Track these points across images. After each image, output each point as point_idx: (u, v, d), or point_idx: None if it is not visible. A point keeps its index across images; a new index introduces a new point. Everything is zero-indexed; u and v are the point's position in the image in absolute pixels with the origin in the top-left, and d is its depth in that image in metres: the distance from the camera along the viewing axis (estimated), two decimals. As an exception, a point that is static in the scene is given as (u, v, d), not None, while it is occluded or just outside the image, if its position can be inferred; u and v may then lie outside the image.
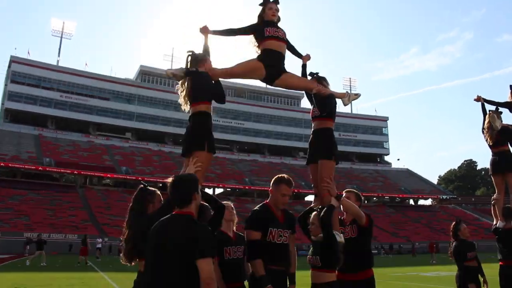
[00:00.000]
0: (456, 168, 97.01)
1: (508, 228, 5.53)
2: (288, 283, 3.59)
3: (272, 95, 71.54)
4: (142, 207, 3.04)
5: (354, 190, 4.20)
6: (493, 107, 6.17)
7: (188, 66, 3.63)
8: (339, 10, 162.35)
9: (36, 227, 34.35)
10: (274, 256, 3.47)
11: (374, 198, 63.20)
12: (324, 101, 4.05)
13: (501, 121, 5.93)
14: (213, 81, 3.65)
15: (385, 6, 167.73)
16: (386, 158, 75.95)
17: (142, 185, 3.17)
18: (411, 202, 66.20)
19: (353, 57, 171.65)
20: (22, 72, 54.93)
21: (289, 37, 4.07)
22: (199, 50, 3.82)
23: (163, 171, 50.92)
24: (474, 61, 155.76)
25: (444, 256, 26.06)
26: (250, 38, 4.03)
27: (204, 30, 3.87)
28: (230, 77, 4.05)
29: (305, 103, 75.42)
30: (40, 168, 46.17)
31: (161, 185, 52.34)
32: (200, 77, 3.53)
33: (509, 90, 6.42)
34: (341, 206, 3.81)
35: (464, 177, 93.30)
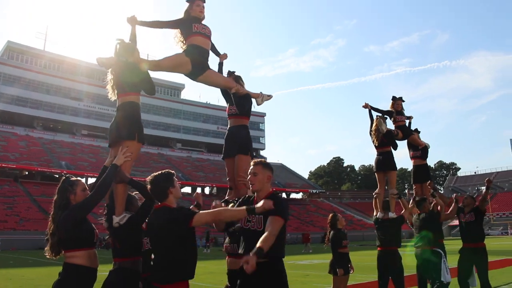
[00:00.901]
0: (325, 164, 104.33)
1: (386, 218, 6.15)
2: None
3: (152, 84, 70.62)
4: (64, 199, 3.03)
5: None
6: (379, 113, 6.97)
7: (117, 55, 3.54)
8: (221, 5, 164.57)
9: None
10: None
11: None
12: (242, 100, 4.30)
13: (386, 126, 6.68)
14: (142, 72, 3.56)
15: (267, 5, 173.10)
16: (262, 152, 79.68)
17: (64, 177, 3.16)
18: (284, 195, 69.89)
19: (232, 53, 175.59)
20: None
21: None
22: (126, 39, 3.73)
23: (30, 157, 48.08)
24: (345, 67, 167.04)
25: (314, 246, 28.66)
26: (176, 33, 4.08)
27: (132, 20, 3.79)
28: (158, 69, 3.94)
29: (185, 95, 75.49)
30: None
31: (27, 173, 49.09)
32: (129, 67, 3.45)
33: (391, 101, 7.42)
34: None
35: (332, 173, 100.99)
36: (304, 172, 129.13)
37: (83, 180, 53.86)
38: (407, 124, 7.42)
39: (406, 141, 7.47)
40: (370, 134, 6.76)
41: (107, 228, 3.31)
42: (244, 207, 2.88)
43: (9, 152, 48.55)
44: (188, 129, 69.06)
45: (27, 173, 50.09)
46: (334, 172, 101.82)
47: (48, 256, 2.99)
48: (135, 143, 3.36)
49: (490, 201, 57.00)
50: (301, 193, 71.37)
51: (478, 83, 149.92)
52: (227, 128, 4.56)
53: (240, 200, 3.34)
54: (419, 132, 7.60)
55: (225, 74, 4.55)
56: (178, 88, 72.24)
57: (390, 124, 7.04)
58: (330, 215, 6.29)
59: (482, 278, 5.82)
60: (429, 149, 7.64)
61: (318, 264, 16.31)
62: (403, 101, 7.43)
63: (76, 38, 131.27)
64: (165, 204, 2.95)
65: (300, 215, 58.54)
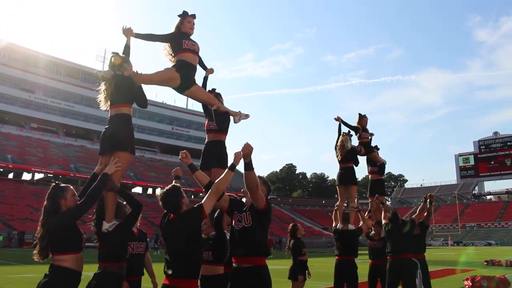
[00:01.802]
0: (278, 170, 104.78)
1: (345, 229, 6.35)
2: None
3: (108, 80, 68.67)
4: (54, 204, 3.13)
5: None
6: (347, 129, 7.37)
7: (112, 68, 3.66)
8: (183, 5, 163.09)
9: None
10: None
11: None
12: (222, 117, 4.54)
13: (351, 143, 6.98)
14: (135, 86, 3.72)
15: (228, 7, 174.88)
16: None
17: (54, 183, 3.31)
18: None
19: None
20: None
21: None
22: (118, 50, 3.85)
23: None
24: (302, 74, 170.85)
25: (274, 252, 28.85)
26: (165, 46, 4.25)
27: (128, 32, 3.92)
28: (150, 83, 4.06)
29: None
30: None
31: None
32: (125, 80, 3.60)
33: (357, 117, 7.79)
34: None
35: (284, 179, 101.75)
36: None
37: (29, 175, 51.32)
38: (369, 141, 7.84)
39: (366, 156, 7.87)
40: (335, 148, 7.04)
41: (96, 232, 3.43)
42: (226, 169, 3.35)
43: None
44: (142, 128, 67.60)
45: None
46: (286, 179, 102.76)
47: (36, 259, 3.08)
48: (127, 154, 3.52)
49: (433, 213, 59.93)
50: (253, 199, 71.69)
51: (428, 99, 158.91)
52: (205, 142, 4.82)
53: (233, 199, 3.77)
54: (378, 149, 8.00)
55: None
56: (135, 86, 70.41)
57: (354, 139, 7.42)
58: (291, 225, 6.66)
59: (426, 287, 6.19)
60: (385, 165, 8.07)
61: (279, 270, 16.24)
62: (367, 118, 7.86)
63: (31, 29, 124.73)
64: (180, 213, 3.23)
65: (252, 221, 58.74)
